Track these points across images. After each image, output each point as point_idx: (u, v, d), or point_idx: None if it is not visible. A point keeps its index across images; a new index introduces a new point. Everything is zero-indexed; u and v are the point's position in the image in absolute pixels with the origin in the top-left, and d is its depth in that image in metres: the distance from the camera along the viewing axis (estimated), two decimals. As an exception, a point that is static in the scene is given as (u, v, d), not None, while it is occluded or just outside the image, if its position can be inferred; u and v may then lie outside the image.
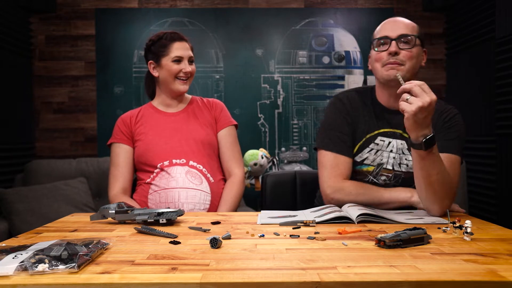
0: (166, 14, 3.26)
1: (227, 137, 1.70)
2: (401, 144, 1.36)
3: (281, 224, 1.12)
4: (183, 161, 1.56)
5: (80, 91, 3.25)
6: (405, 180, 1.36)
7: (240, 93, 3.29)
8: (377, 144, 1.36)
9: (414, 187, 1.33)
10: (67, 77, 3.25)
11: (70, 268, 0.72)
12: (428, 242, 0.92)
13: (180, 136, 1.62)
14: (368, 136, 1.37)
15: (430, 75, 3.34)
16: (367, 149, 1.37)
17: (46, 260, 0.74)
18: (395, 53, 1.28)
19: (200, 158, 1.59)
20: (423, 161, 1.15)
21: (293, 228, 1.08)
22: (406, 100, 1.08)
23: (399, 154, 1.35)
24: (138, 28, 3.25)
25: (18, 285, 0.68)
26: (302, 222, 1.11)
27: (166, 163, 1.55)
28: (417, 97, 1.06)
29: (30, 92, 3.16)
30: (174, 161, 1.56)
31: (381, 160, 1.36)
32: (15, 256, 0.75)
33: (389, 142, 1.36)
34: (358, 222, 1.13)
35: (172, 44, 1.61)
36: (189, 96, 1.77)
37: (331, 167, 1.34)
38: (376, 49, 1.33)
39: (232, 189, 1.62)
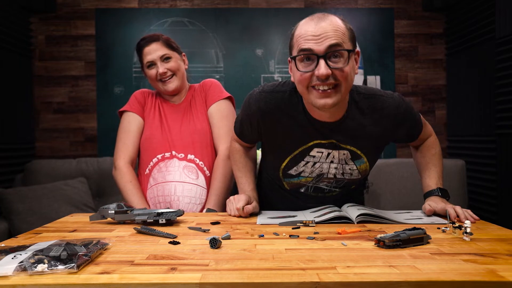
0: (166, 14, 3.26)
1: (213, 114, 1.65)
2: (343, 154, 1.25)
3: (281, 224, 1.12)
4: (181, 155, 1.56)
5: (80, 91, 3.25)
6: (348, 183, 1.33)
7: (240, 93, 3.27)
8: (314, 157, 1.25)
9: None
10: (67, 77, 3.24)
11: (70, 268, 0.72)
12: (428, 242, 0.92)
13: (178, 129, 1.61)
14: (301, 148, 1.24)
15: (430, 75, 3.34)
16: (303, 162, 1.27)
17: (45, 260, 0.74)
18: (327, 77, 1.03)
19: (198, 151, 1.58)
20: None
21: (293, 228, 1.08)
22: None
23: (342, 164, 1.27)
24: (138, 28, 3.25)
25: (17, 285, 0.68)
26: (301, 222, 1.11)
27: (166, 154, 1.56)
28: None
29: (30, 92, 3.16)
30: (174, 153, 1.57)
31: (321, 171, 1.28)
32: (14, 256, 0.76)
33: (329, 153, 1.25)
34: (358, 222, 1.13)
35: (142, 52, 1.59)
36: (188, 85, 1.74)
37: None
38: (299, 68, 1.06)
39: (215, 171, 1.57)
